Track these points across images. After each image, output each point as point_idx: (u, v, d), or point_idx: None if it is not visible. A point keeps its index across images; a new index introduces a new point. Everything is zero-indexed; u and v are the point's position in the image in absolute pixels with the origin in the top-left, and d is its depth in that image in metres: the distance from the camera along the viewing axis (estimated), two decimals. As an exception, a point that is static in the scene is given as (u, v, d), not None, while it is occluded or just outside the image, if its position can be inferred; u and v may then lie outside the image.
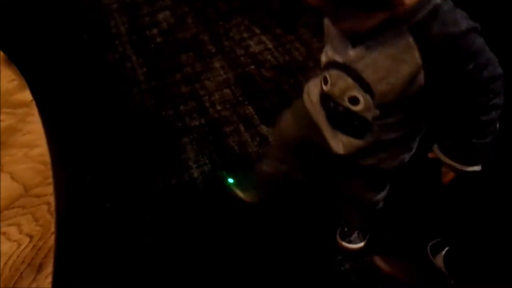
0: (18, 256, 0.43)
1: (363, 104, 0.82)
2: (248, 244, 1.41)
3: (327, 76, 0.87)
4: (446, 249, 1.27)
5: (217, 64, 2.00)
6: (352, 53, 0.78)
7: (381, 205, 1.21)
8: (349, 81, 0.81)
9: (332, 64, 0.85)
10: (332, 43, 0.85)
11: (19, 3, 2.14)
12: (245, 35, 2.15)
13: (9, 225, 0.45)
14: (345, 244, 1.37)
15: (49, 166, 0.50)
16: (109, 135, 1.74)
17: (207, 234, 1.44)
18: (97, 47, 1.98)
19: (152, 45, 2.10)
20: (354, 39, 0.77)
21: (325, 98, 0.92)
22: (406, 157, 0.98)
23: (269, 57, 2.04)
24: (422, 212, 1.46)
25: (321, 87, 0.92)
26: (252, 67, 2.00)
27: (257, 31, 2.16)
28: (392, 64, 0.74)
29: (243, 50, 2.08)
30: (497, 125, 0.81)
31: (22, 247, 0.44)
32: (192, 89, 1.92)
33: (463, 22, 0.69)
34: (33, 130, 0.53)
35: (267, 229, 1.45)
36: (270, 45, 2.09)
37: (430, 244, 1.32)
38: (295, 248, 1.40)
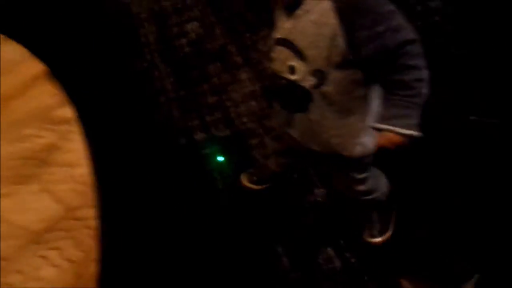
0: (58, 283, 0.42)
1: (299, 71, 0.91)
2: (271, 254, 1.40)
3: (273, 54, 0.99)
4: (477, 276, 1.23)
5: (244, 76, 1.99)
6: (286, 25, 0.90)
7: (376, 196, 1.23)
8: (287, 51, 0.92)
9: (275, 42, 0.96)
10: (276, 26, 0.96)
11: (53, 14, 2.18)
12: (272, 47, 2.14)
13: (50, 248, 0.44)
14: (365, 237, 1.40)
15: (91, 187, 0.48)
16: (135, 144, 1.74)
17: (229, 244, 1.43)
18: (127, 56, 2.00)
19: (180, 55, 2.11)
20: (287, 10, 0.88)
21: (273, 77, 1.02)
22: (366, 140, 1.01)
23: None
24: (451, 235, 1.41)
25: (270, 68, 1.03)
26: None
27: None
28: (316, 28, 0.85)
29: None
30: (424, 88, 0.87)
31: (63, 273, 0.43)
32: (218, 100, 1.92)
33: None
34: (75, 149, 0.53)
35: (287, 243, 1.43)
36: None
37: (458, 268, 1.29)
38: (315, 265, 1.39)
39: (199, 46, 2.15)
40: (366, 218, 1.38)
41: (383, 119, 0.93)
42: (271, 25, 2.22)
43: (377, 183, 1.22)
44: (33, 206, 0.48)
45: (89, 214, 0.46)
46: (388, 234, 1.39)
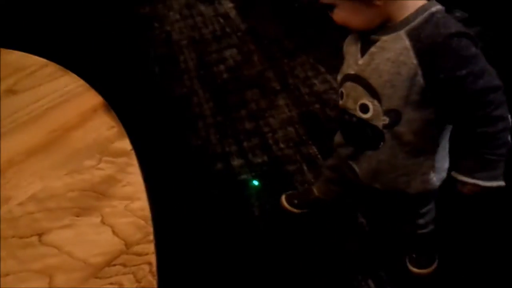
0: (119, 321, 0.42)
1: (372, 110, 0.88)
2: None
3: (343, 90, 0.95)
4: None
5: (281, 102, 2.00)
6: (361, 62, 0.87)
7: (432, 228, 1.20)
8: (359, 89, 0.89)
9: (345, 78, 0.94)
10: (347, 61, 0.94)
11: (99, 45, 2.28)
12: (310, 73, 2.15)
13: (111, 284, 0.44)
14: (412, 268, 1.33)
15: (150, 222, 0.49)
16: (172, 169, 1.77)
17: (269, 274, 1.41)
18: (167, 81, 2.06)
19: (219, 81, 2.14)
20: (363, 48, 0.87)
21: (342, 113, 0.99)
22: (432, 177, 0.97)
23: (334, 96, 2.01)
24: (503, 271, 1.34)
25: (338, 103, 1.00)
26: (317, 106, 1.98)
27: (322, 69, 2.15)
28: (393, 67, 0.81)
29: (307, 89, 2.07)
30: (509, 137, 0.82)
31: (124, 311, 0.43)
32: (256, 125, 1.93)
33: (454, 25, 0.77)
34: (133, 182, 0.53)
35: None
36: (335, 85, 2.07)
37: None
38: None
39: (237, 72, 2.18)
40: (414, 249, 1.33)
41: (466, 170, 0.88)
42: (308, 51, 2.26)
43: (433, 215, 1.19)
44: (93, 239, 0.48)
45: (149, 249, 0.46)
46: (434, 266, 1.34)
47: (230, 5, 2.62)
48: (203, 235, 1.54)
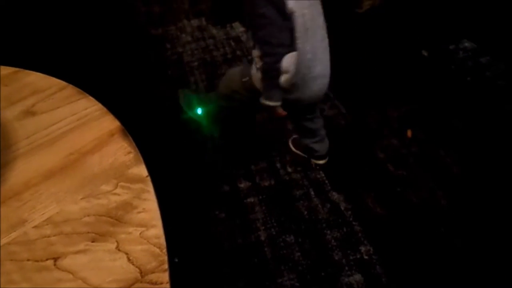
0: None
1: None
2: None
3: None
4: None
5: (289, 126, 2.01)
6: None
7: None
8: None
9: None
10: None
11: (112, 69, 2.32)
12: (319, 98, 2.16)
13: (125, 312, 0.44)
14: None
15: (164, 250, 0.49)
16: (180, 189, 1.77)
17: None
18: (178, 102, 2.07)
19: (228, 103, 2.15)
20: None
21: None
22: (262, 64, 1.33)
23: (342, 122, 2.02)
24: None
25: None
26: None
27: (331, 95, 2.17)
28: None
29: (316, 114, 2.08)
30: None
31: None
32: (264, 149, 1.93)
33: None
34: (149, 209, 0.54)
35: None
36: (343, 110, 2.08)
37: None
38: None
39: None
40: None
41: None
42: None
43: None
44: (108, 265, 0.49)
45: (163, 279, 0.46)
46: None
47: (242, 29, 2.66)
48: (211, 260, 1.53)
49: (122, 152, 0.64)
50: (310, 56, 1.28)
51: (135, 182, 0.59)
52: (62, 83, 0.85)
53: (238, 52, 2.47)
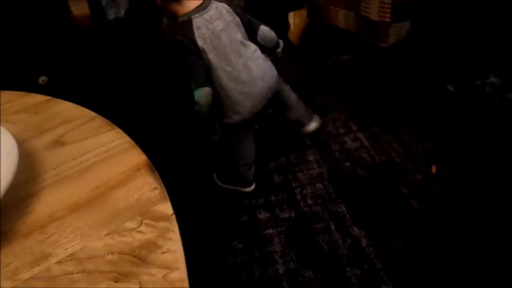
0: None
1: None
2: None
3: None
4: None
5: (311, 157, 2.00)
6: None
7: None
8: None
9: None
10: None
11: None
12: (341, 130, 2.15)
13: None
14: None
15: (188, 295, 0.48)
16: (199, 217, 1.76)
17: None
18: (196, 131, 2.09)
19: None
20: None
21: None
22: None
23: (365, 155, 1.99)
24: None
25: None
26: (347, 164, 1.96)
27: (354, 127, 2.15)
28: None
29: (338, 146, 2.06)
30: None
31: None
32: (284, 179, 1.92)
33: None
34: (173, 250, 0.53)
35: None
36: (366, 143, 2.06)
37: None
38: None
39: (268, 125, 2.21)
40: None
41: None
42: (340, 108, 2.27)
43: None
44: (130, 308, 0.47)
45: (187, 326, 0.45)
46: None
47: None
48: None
49: (148, 188, 0.64)
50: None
51: (160, 220, 0.58)
52: (92, 113, 0.86)
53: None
